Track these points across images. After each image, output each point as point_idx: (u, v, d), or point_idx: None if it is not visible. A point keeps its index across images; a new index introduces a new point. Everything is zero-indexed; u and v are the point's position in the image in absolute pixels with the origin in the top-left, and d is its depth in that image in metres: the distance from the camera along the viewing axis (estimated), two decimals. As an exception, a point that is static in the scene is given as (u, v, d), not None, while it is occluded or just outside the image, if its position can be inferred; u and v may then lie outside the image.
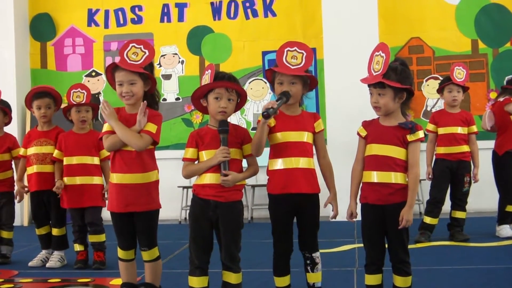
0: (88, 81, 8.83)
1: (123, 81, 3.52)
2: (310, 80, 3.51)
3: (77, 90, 4.97)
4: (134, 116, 3.54)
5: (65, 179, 5.00)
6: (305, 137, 3.45)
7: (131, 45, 3.54)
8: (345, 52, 7.54)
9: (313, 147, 3.52)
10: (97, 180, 5.02)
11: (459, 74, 5.73)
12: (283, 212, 3.45)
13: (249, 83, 8.64)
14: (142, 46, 3.54)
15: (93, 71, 9.01)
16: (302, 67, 3.42)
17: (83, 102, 4.96)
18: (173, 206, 7.97)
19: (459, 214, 5.86)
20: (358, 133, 3.39)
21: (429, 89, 8.24)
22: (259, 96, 8.61)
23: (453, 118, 5.78)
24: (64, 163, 5.02)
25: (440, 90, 5.89)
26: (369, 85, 3.29)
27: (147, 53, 3.53)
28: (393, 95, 3.23)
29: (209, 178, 3.36)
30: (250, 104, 8.60)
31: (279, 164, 3.42)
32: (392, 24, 8.34)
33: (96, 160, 5.03)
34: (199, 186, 3.41)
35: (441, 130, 5.82)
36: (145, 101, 3.51)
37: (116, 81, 3.56)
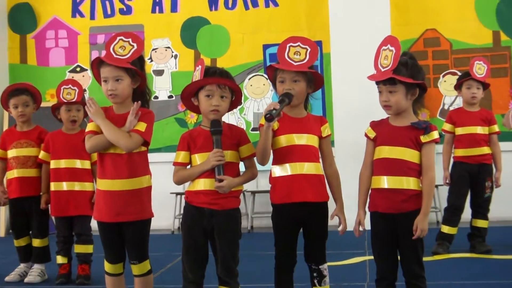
0: (72, 77, 8.80)
1: (108, 77, 3.51)
2: (315, 78, 3.51)
3: (68, 86, 4.96)
4: (123, 117, 3.53)
5: (52, 184, 4.99)
6: (311, 140, 3.44)
7: (118, 38, 3.53)
8: (354, 45, 7.53)
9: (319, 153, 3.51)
10: (87, 186, 5.00)
11: (479, 69, 5.73)
12: (288, 223, 3.43)
13: (249, 79, 8.64)
14: (130, 39, 3.53)
15: (78, 66, 9.01)
16: (305, 63, 3.42)
17: (74, 100, 4.94)
18: (165, 215, 7.95)
19: (481, 223, 5.85)
20: (366, 135, 3.39)
21: (446, 85, 8.24)
22: (260, 93, 8.61)
23: (473, 117, 5.78)
24: (51, 166, 5.00)
25: (458, 87, 5.89)
26: (377, 83, 3.29)
27: (135, 47, 3.53)
28: (405, 91, 3.23)
29: (202, 184, 3.36)
30: (250, 102, 8.60)
31: (283, 170, 3.42)
32: (406, 15, 8.33)
33: (86, 164, 5.00)
34: (192, 193, 3.40)
35: (459, 130, 5.81)
36: (139, 102, 3.50)
37: (101, 78, 3.56)
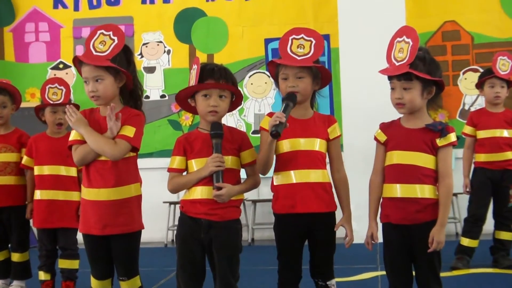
0: (55, 74, 8.84)
1: (88, 78, 3.53)
2: (321, 73, 3.53)
3: (54, 85, 4.96)
4: (111, 119, 3.55)
5: (36, 192, 5.00)
6: (317, 145, 3.46)
7: (99, 32, 3.54)
8: (365, 40, 7.55)
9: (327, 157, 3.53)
10: (73, 195, 4.99)
11: (503, 65, 5.74)
12: (292, 234, 3.45)
13: (249, 77, 8.67)
14: (111, 33, 3.54)
15: (61, 62, 9.04)
16: (310, 57, 3.43)
17: (61, 101, 4.96)
18: (157, 226, 7.97)
19: (504, 235, 5.85)
20: (375, 138, 3.41)
21: (466, 83, 8.25)
22: (261, 92, 8.63)
23: (496, 119, 5.78)
24: (35, 173, 5.01)
25: (479, 85, 5.89)
26: (390, 78, 3.31)
27: (116, 41, 3.52)
28: (421, 89, 3.25)
29: (200, 193, 3.38)
30: (251, 102, 8.62)
31: (286, 178, 3.44)
32: (422, 5, 8.36)
33: (72, 171, 4.99)
34: (188, 202, 3.43)
35: (481, 134, 5.82)
36: (112, 104, 3.48)
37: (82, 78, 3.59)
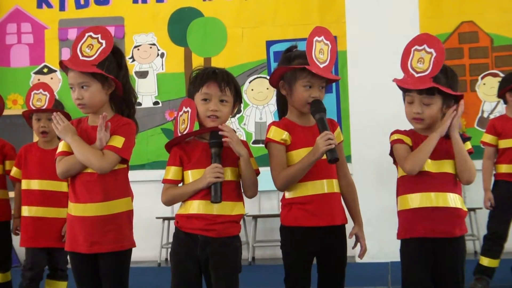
0: (39, 79, 8.84)
1: (73, 84, 3.53)
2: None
3: (39, 91, 4.98)
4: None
5: (23, 208, 4.98)
6: None
7: (87, 35, 3.53)
8: (375, 42, 7.56)
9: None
10: (64, 212, 4.96)
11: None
12: (303, 252, 3.44)
13: (250, 82, 8.66)
14: (99, 36, 3.53)
15: (45, 66, 9.04)
16: (329, 66, 3.46)
17: (45, 107, 4.97)
18: (150, 244, 7.95)
19: (527, 254, 5.86)
20: (398, 140, 3.39)
21: (485, 89, 8.24)
22: (263, 99, 8.62)
23: (520, 127, 5.77)
24: (22, 187, 5.01)
25: (505, 92, 5.82)
26: (407, 90, 3.31)
27: (104, 45, 3.52)
28: (441, 104, 3.28)
29: (196, 207, 3.36)
30: (251, 109, 8.60)
31: (299, 190, 3.43)
32: (437, 5, 8.36)
33: (64, 186, 4.92)
34: (183, 217, 3.41)
35: (504, 143, 5.78)
36: (104, 113, 3.49)
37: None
